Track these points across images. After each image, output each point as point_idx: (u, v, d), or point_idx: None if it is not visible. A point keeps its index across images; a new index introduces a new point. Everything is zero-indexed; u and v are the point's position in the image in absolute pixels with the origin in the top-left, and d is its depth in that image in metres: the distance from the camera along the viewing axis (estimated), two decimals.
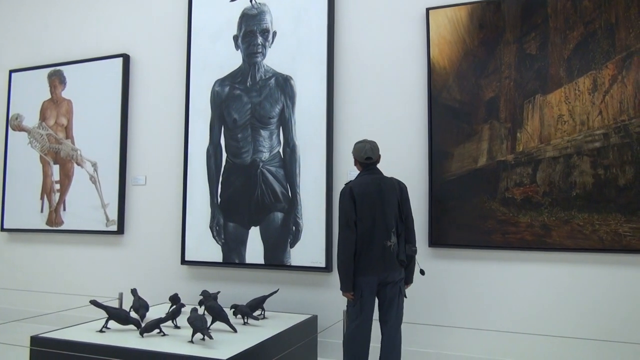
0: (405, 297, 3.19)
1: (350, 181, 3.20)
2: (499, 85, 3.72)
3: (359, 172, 3.26)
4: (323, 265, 4.07)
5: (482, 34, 3.79)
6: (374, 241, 3.03)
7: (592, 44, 3.52)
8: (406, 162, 3.96)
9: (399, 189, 3.19)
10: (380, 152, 3.28)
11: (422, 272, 3.23)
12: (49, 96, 5.37)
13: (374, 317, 3.11)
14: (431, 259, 3.84)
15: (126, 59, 5.04)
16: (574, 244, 3.47)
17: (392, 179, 3.22)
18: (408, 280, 3.21)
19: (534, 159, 3.59)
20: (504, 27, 3.74)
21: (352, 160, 3.93)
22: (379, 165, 3.29)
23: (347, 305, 3.17)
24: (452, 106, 3.83)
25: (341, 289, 3.07)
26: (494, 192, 3.67)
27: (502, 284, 3.67)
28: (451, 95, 3.84)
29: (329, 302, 4.07)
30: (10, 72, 5.58)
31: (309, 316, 3.94)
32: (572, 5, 3.58)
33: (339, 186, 4.10)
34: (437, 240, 3.79)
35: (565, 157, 3.52)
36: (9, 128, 5.53)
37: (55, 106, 5.33)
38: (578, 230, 3.46)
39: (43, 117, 5.37)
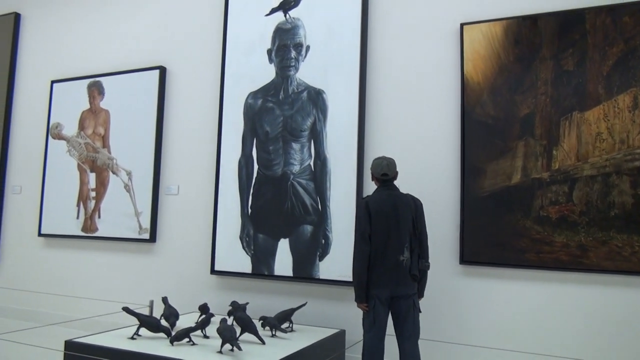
0: (420, 311, 3.21)
1: (368, 195, 3.31)
2: (535, 101, 3.66)
3: (376, 187, 3.35)
4: (352, 279, 4.04)
5: (518, 49, 3.75)
6: (388, 255, 3.12)
7: (632, 61, 3.44)
8: (438, 177, 3.92)
9: (414, 206, 3.26)
10: (397, 169, 3.35)
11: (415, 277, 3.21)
12: (88, 106, 5.54)
13: (392, 333, 3.18)
14: (462, 276, 3.79)
15: (162, 71, 5.17)
16: (613, 265, 3.36)
17: (407, 195, 3.29)
18: (420, 294, 3.27)
19: (571, 177, 3.51)
20: (541, 42, 3.69)
21: None
22: (396, 182, 3.35)
23: (362, 318, 3.23)
24: (485, 122, 3.79)
25: (355, 300, 3.18)
26: (528, 210, 3.60)
27: (535, 305, 3.58)
28: (485, 111, 3.80)
29: (357, 317, 4.03)
30: (52, 82, 5.78)
31: (337, 330, 3.92)
32: (612, 22, 3.51)
33: None
34: (468, 257, 3.74)
35: (604, 176, 3.43)
36: (49, 136, 5.71)
37: (94, 116, 5.49)
38: (617, 251, 3.36)
39: (82, 126, 5.54)
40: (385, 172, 3.25)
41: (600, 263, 3.39)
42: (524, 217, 3.61)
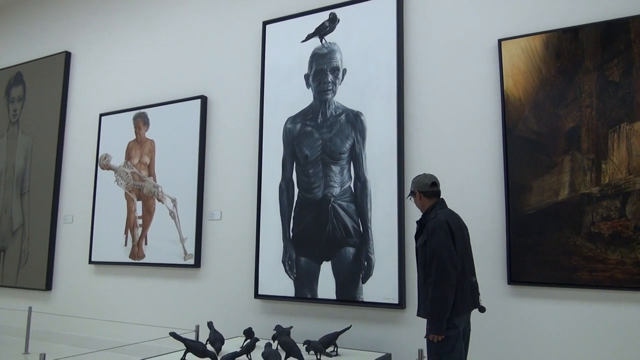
0: None
1: (436, 214, 2.94)
2: (580, 114, 3.56)
3: (427, 206, 3.06)
4: (396, 301, 3.98)
5: (559, 62, 3.67)
6: (466, 278, 2.92)
7: None
8: (482, 195, 3.84)
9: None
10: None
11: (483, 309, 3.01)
12: (134, 137, 5.75)
13: None
14: (511, 297, 3.66)
15: (204, 100, 5.32)
16: None
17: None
18: None
19: (623, 191, 3.37)
20: (583, 54, 3.60)
21: None
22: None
23: (436, 351, 2.80)
24: (528, 137, 3.70)
25: (434, 331, 2.77)
26: (578, 227, 3.47)
27: (589, 326, 3.41)
28: (527, 127, 3.71)
29: (403, 340, 3.96)
30: (100, 115, 6.04)
31: (383, 354, 3.85)
32: None
33: (411, 221, 4.04)
34: (517, 277, 3.62)
35: None
36: (98, 167, 5.95)
37: (140, 146, 5.68)
38: None
39: (128, 156, 5.74)
40: (434, 180, 3.06)
41: None
42: (574, 234, 3.47)
